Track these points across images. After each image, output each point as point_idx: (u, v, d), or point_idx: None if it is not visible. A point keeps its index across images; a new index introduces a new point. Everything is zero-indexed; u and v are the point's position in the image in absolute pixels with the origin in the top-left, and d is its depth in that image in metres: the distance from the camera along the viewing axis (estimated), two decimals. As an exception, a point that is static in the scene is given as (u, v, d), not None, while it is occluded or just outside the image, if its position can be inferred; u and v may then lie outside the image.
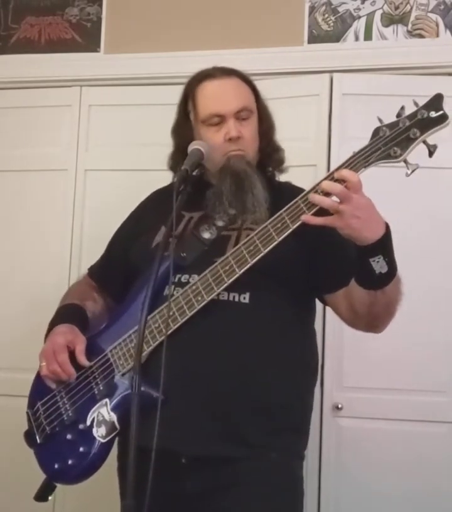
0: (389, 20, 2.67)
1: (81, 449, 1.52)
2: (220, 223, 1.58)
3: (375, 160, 1.41)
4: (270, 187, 1.63)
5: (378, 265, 1.41)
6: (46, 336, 1.62)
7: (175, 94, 2.81)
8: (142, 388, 1.25)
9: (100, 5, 2.91)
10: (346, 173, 1.37)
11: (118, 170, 2.78)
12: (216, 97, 1.62)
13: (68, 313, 1.66)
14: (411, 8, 2.65)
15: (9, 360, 2.74)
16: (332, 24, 2.70)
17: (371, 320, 1.54)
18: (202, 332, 1.48)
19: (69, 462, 1.53)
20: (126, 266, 1.68)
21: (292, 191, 1.55)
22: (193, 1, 2.82)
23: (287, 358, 1.54)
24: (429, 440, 2.43)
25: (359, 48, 2.68)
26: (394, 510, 2.41)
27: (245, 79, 1.69)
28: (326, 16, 2.70)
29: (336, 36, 2.70)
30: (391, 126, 1.41)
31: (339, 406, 2.48)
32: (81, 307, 1.68)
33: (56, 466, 1.56)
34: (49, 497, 1.62)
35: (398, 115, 1.42)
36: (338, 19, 2.70)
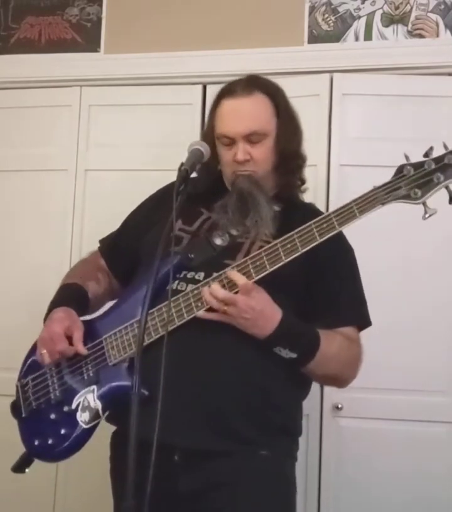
0: (389, 20, 2.67)
1: (62, 431, 1.55)
2: (234, 232, 1.59)
3: (394, 198, 1.41)
4: (290, 205, 1.65)
5: (283, 352, 1.48)
6: (46, 316, 1.63)
7: (175, 94, 2.81)
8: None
9: (100, 5, 2.91)
10: (234, 277, 1.43)
11: (118, 170, 2.78)
12: (229, 119, 1.63)
13: (68, 294, 1.67)
14: (411, 8, 2.65)
15: (8, 360, 2.73)
16: (332, 24, 2.70)
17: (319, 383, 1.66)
18: (197, 330, 1.49)
19: (49, 441, 1.56)
20: (135, 254, 1.69)
21: (310, 213, 1.58)
22: (192, 1, 2.82)
23: (282, 358, 1.53)
24: (429, 440, 2.43)
25: (359, 48, 2.68)
26: (394, 510, 2.41)
27: (269, 92, 1.67)
28: (326, 15, 2.70)
29: (336, 36, 2.70)
30: (416, 166, 1.40)
31: (339, 406, 2.48)
32: (82, 287, 1.69)
33: (36, 443, 1.59)
34: (26, 470, 1.65)
35: (426, 155, 1.40)
36: (338, 19, 2.70)
